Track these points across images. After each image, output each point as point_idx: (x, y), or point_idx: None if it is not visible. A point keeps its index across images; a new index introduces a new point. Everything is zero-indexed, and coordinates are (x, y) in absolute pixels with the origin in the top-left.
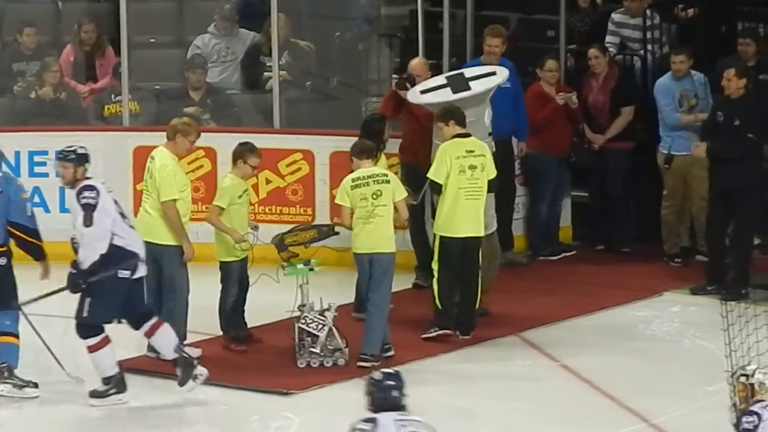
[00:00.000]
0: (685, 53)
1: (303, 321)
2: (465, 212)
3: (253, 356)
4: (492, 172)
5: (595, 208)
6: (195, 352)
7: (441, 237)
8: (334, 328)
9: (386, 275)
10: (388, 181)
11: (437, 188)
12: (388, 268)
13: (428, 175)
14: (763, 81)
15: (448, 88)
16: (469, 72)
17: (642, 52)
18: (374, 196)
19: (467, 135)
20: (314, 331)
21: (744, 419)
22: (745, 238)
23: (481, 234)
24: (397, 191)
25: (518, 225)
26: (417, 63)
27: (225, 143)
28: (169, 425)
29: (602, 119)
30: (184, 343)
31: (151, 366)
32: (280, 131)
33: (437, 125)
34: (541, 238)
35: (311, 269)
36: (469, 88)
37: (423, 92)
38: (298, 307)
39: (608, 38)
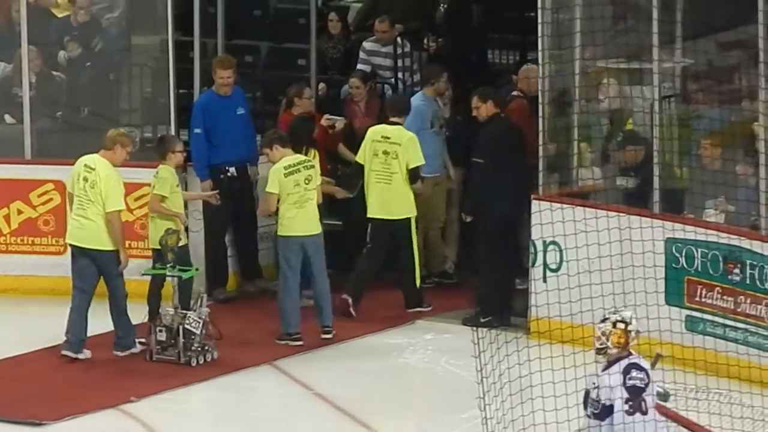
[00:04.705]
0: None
1: (187, 321)
2: (374, 194)
3: (19, 382)
4: (412, 162)
5: (349, 237)
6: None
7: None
8: (210, 324)
9: (320, 253)
10: (313, 166)
11: (360, 169)
12: (321, 247)
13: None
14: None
15: None
16: None
17: (393, 80)
18: (306, 181)
19: (397, 124)
20: (193, 329)
21: (635, 374)
22: (488, 265)
23: (391, 216)
24: (317, 176)
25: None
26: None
27: None
28: None
29: None
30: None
31: None
32: (32, 162)
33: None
34: None
35: (197, 269)
36: None
37: None
38: (174, 308)
39: (359, 66)
